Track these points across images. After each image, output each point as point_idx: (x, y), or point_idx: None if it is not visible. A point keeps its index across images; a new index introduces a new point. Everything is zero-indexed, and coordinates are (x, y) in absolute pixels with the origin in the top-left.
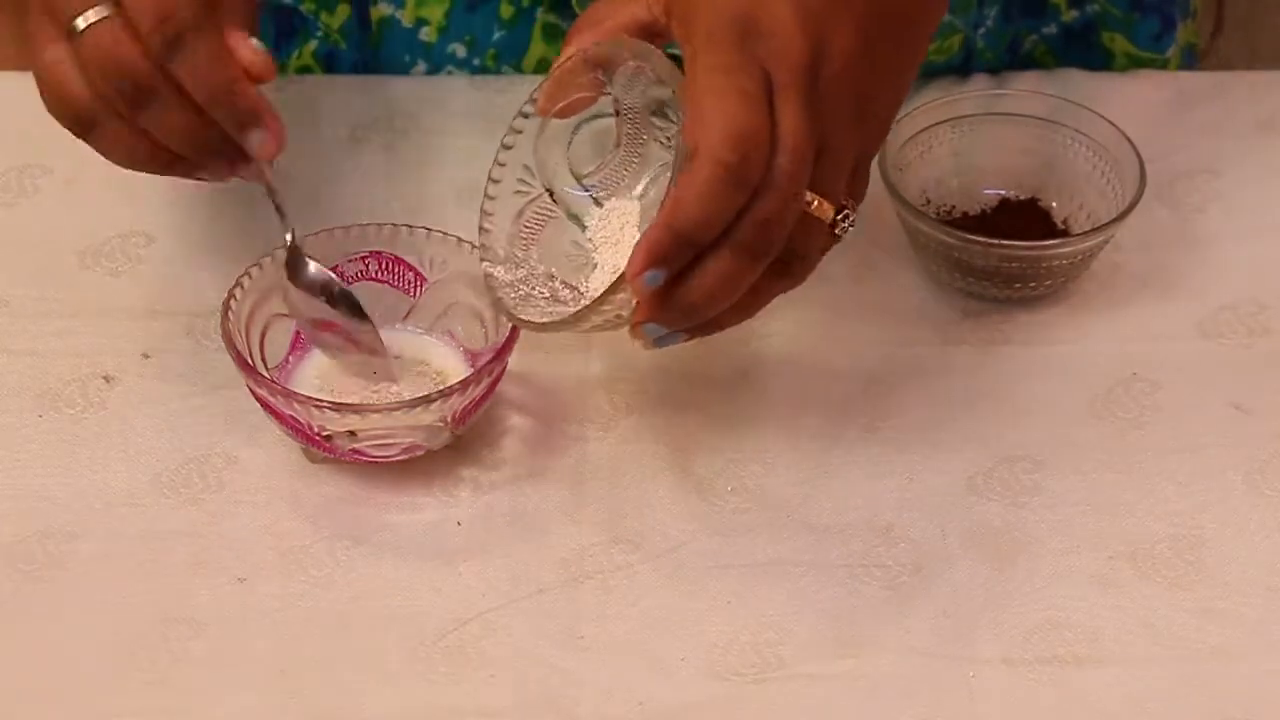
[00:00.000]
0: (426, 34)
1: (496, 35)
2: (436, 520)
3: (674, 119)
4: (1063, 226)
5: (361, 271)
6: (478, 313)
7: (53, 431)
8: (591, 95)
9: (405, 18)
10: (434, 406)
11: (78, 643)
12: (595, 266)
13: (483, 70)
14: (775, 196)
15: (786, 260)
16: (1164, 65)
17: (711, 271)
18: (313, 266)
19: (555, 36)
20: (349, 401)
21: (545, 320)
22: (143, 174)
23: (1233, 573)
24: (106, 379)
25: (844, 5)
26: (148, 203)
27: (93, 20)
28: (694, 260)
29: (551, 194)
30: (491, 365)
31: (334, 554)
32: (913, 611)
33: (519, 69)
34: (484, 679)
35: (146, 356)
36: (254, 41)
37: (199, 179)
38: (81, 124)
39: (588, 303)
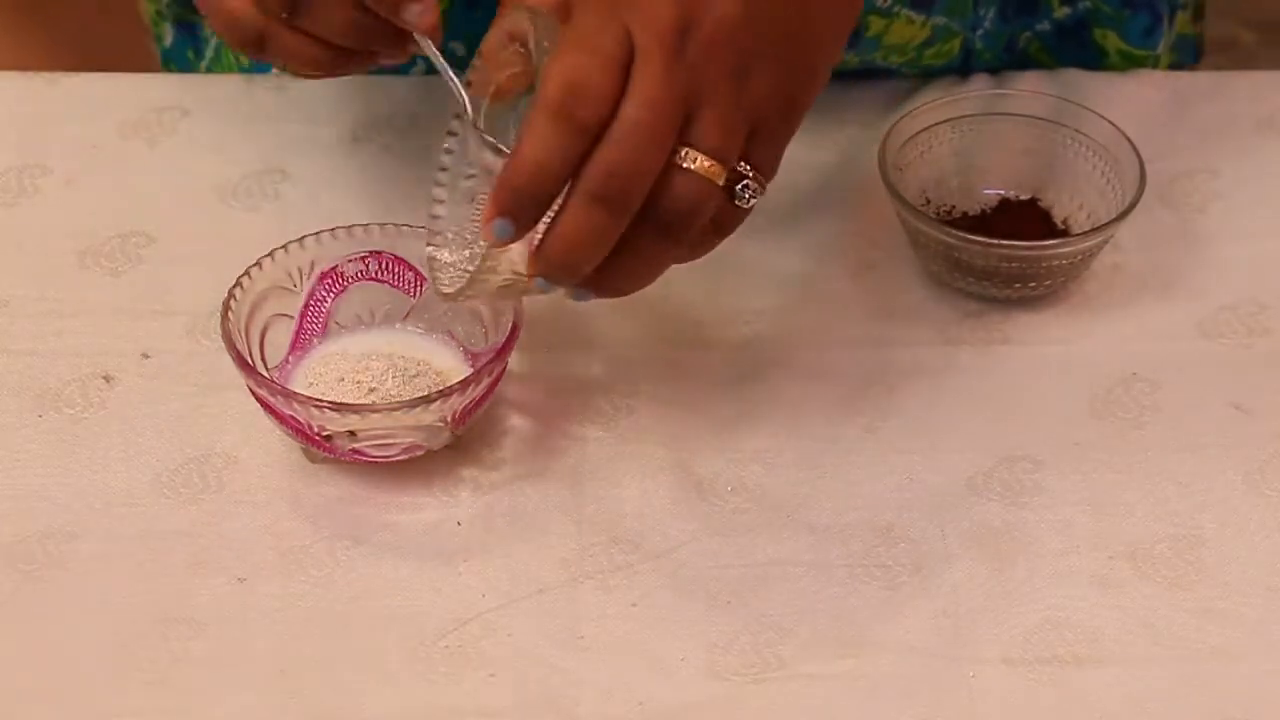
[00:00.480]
0: None
1: None
2: (436, 520)
3: None
4: (1063, 226)
5: (361, 271)
6: (478, 313)
7: (53, 431)
8: (523, 69)
9: None
10: (434, 406)
11: (78, 643)
12: None
13: None
14: (622, 145)
15: (669, 222)
16: (1155, 62)
17: (565, 221)
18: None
19: None
20: (349, 401)
21: (456, 289)
22: (142, 173)
23: (1233, 573)
24: (106, 379)
25: None
26: (148, 203)
27: None
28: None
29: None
30: (491, 365)
31: (334, 554)
32: (913, 611)
33: None
34: (484, 679)
35: (146, 356)
36: None
37: (383, 64)
38: (253, 43)
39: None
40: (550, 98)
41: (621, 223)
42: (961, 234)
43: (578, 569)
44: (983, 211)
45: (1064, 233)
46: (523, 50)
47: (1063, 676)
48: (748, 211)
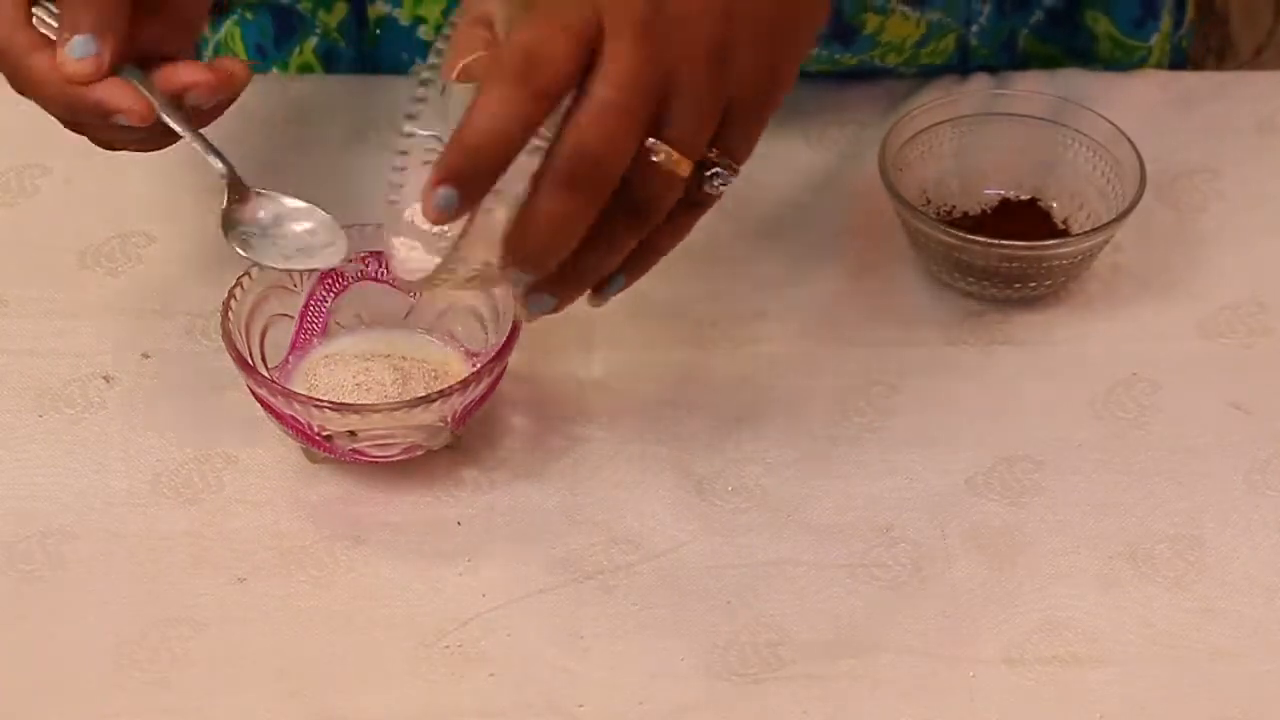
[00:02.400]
0: (424, 32)
1: None
2: (436, 520)
3: None
4: (1063, 226)
5: (361, 271)
6: (478, 313)
7: (53, 431)
8: (487, 54)
9: (402, 16)
10: (434, 406)
11: (78, 643)
12: None
13: None
14: (591, 125)
15: (635, 209)
16: (1146, 55)
17: (536, 206)
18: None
19: None
20: (349, 401)
21: (421, 278)
22: (142, 173)
23: (1233, 573)
24: (106, 379)
25: None
26: (148, 203)
27: None
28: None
29: None
30: (491, 365)
31: (334, 554)
32: (913, 611)
33: None
34: (484, 679)
35: (146, 356)
36: (74, 40)
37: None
38: (72, 128)
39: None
40: (507, 64)
41: (594, 209)
42: (961, 234)
43: (578, 569)
44: (983, 211)
45: (1064, 233)
46: (488, 35)
47: (1063, 676)
48: (716, 198)
